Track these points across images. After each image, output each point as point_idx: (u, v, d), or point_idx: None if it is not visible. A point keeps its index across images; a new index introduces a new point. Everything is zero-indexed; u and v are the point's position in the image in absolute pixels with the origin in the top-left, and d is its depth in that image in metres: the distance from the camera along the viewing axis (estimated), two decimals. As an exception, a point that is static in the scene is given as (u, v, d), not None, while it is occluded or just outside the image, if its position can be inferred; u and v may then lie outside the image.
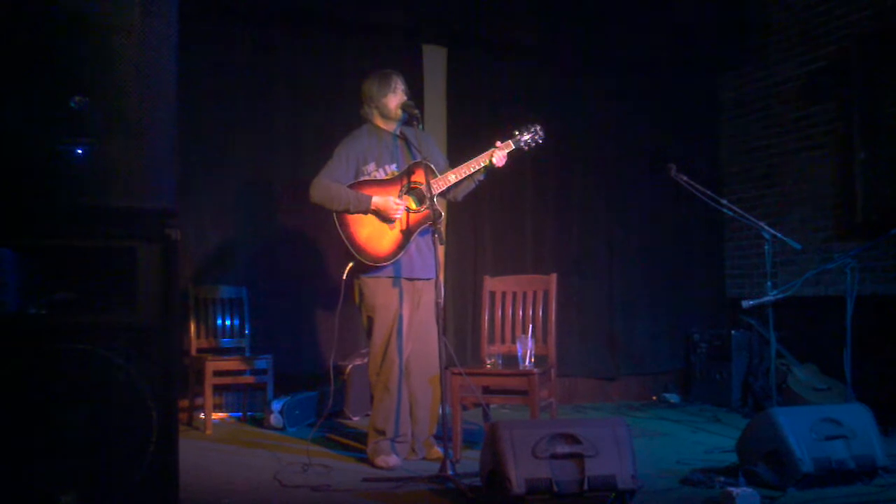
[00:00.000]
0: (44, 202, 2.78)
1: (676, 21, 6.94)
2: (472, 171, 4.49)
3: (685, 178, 4.97)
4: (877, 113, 6.05)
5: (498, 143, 4.52)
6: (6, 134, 2.74)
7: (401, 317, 4.40)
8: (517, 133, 4.57)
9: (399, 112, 4.50)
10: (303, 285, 6.11)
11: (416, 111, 4.41)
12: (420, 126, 4.41)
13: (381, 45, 6.36)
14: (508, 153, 4.52)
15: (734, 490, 3.43)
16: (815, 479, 3.69)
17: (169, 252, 2.92)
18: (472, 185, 4.63)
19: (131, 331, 2.86)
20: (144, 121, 2.87)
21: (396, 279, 4.42)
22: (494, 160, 4.48)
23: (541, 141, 4.63)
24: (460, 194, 4.67)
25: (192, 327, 5.64)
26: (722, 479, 3.82)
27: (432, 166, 4.42)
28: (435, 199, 4.23)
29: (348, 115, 4.68)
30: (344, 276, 4.37)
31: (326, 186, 4.39)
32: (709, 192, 5.00)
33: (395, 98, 4.49)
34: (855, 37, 6.20)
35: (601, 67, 7.03)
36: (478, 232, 6.67)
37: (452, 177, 4.48)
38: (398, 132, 4.58)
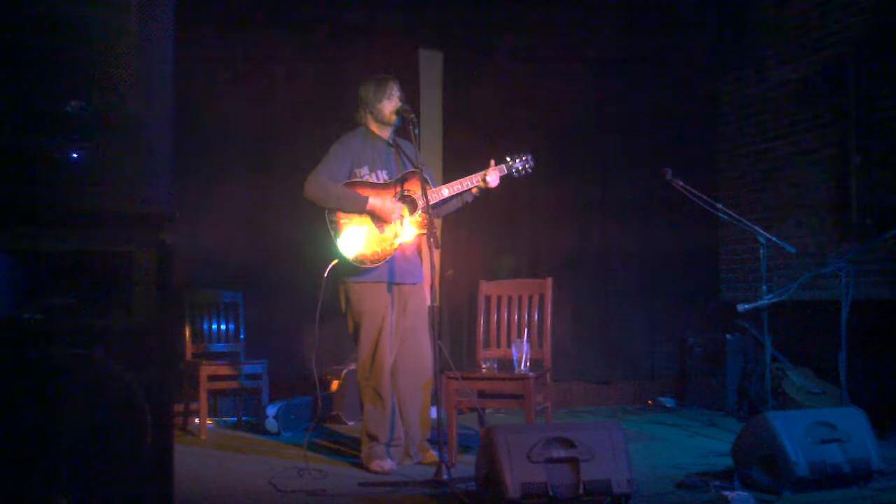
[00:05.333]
0: (40, 206, 2.78)
1: (674, 24, 6.96)
2: (465, 188, 4.49)
3: (681, 182, 4.98)
4: (872, 117, 6.06)
5: (492, 163, 4.53)
6: (2, 138, 2.73)
7: (389, 322, 4.39)
8: (509, 159, 4.59)
9: (394, 117, 4.49)
10: (298, 290, 6.07)
11: (412, 115, 4.38)
12: (416, 129, 4.35)
13: (377, 50, 6.37)
14: (500, 176, 4.53)
15: (729, 494, 3.45)
16: (810, 482, 3.70)
17: (165, 256, 2.92)
18: (458, 205, 4.64)
19: (127, 335, 2.85)
20: (141, 125, 2.87)
21: (382, 284, 4.39)
22: (489, 179, 4.48)
23: (531, 171, 4.64)
24: (443, 212, 4.67)
25: (188, 332, 5.63)
26: (717, 482, 3.83)
27: (426, 176, 4.40)
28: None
29: (345, 119, 4.67)
30: (325, 274, 4.29)
31: (323, 183, 4.35)
32: (704, 196, 5.01)
33: (391, 104, 4.47)
34: (851, 42, 6.22)
35: (598, 71, 7.04)
36: (473, 236, 6.67)
37: (445, 191, 4.48)
38: (391, 140, 4.57)
